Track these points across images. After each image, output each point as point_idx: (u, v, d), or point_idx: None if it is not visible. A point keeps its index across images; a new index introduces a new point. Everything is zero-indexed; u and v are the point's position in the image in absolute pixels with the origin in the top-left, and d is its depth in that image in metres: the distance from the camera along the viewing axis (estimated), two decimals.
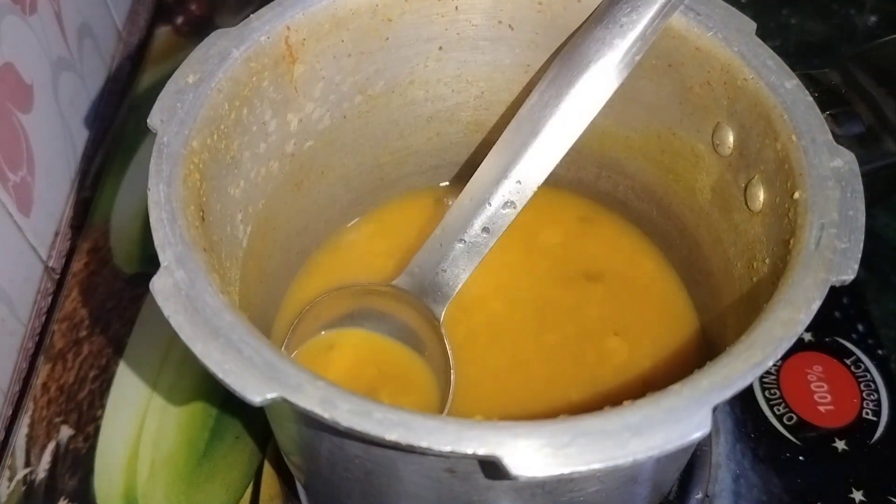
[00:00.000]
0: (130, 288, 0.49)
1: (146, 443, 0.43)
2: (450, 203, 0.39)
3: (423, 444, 0.23)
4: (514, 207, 0.37)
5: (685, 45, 0.35)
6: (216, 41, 0.34)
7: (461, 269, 0.38)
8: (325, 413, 0.24)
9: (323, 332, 0.39)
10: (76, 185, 0.55)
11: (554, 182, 0.37)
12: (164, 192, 0.29)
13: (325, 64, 0.37)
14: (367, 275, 0.41)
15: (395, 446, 0.24)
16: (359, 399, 0.24)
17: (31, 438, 0.44)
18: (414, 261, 0.39)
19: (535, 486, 0.28)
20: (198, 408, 0.44)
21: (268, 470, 0.42)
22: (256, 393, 0.25)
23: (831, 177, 0.30)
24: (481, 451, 0.23)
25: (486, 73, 0.41)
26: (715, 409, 0.25)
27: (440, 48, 0.40)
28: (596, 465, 0.23)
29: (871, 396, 0.44)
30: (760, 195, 0.33)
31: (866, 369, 0.45)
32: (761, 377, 0.45)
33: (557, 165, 0.37)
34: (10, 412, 0.46)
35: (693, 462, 0.42)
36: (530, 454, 0.23)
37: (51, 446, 0.43)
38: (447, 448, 0.23)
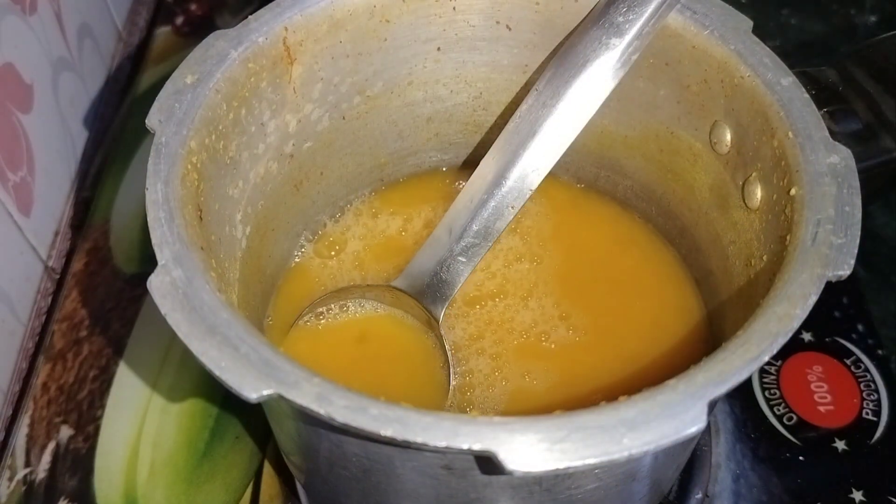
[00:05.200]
0: (130, 288, 0.49)
1: (146, 443, 0.43)
2: (448, 204, 0.39)
3: (419, 439, 0.23)
4: (513, 208, 0.37)
5: (682, 44, 0.35)
6: (214, 42, 0.34)
7: (460, 270, 0.38)
8: (320, 409, 0.24)
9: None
10: (76, 185, 0.55)
11: (552, 176, 0.37)
12: (162, 191, 0.29)
13: (324, 65, 0.37)
14: (366, 276, 0.41)
15: (391, 442, 0.24)
16: (354, 395, 0.24)
17: (31, 438, 0.44)
18: (412, 262, 0.39)
19: (531, 483, 0.28)
20: (198, 408, 0.44)
21: (268, 470, 0.42)
22: (252, 389, 0.25)
23: (828, 173, 0.30)
24: (477, 447, 0.23)
25: (485, 73, 0.41)
26: (713, 405, 0.25)
27: (438, 49, 0.40)
28: (591, 460, 0.23)
29: (871, 396, 0.44)
30: (758, 192, 0.33)
31: (866, 369, 0.45)
32: (761, 377, 0.45)
33: (556, 166, 0.37)
34: (10, 412, 0.46)
35: (693, 462, 0.42)
36: (526, 449, 0.23)
37: (51, 446, 0.43)
38: (442, 443, 0.23)
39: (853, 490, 0.41)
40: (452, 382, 0.37)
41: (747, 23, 0.34)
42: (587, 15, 0.37)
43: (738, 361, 0.25)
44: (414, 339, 0.39)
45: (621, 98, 0.38)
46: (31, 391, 0.45)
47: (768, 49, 0.34)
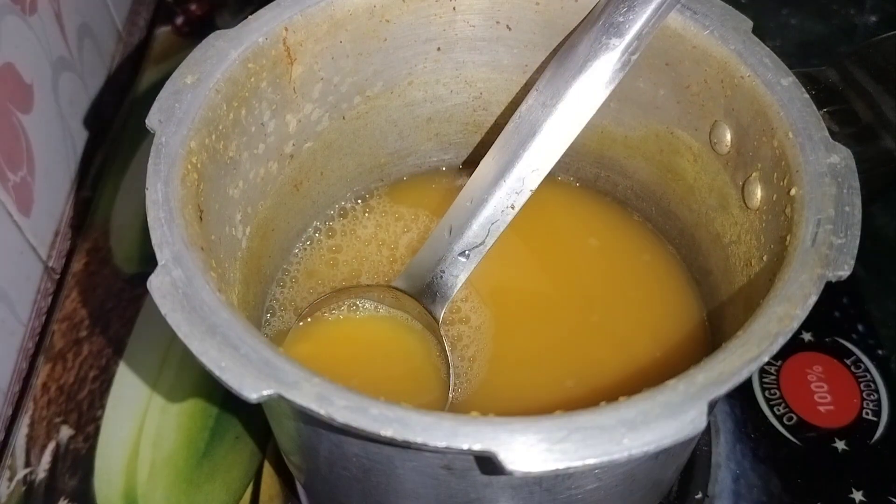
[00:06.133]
0: (130, 288, 0.49)
1: (146, 443, 0.43)
2: (448, 204, 0.39)
3: (419, 439, 0.23)
4: (513, 208, 0.37)
5: (682, 44, 0.35)
6: (214, 42, 0.34)
7: (460, 271, 0.38)
8: (320, 409, 0.24)
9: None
10: (76, 185, 0.55)
11: (552, 176, 0.37)
12: (162, 191, 0.29)
13: (324, 65, 0.37)
14: (366, 276, 0.41)
15: (391, 442, 0.24)
16: (354, 395, 0.24)
17: (31, 438, 0.44)
18: (412, 262, 0.39)
19: (532, 483, 0.28)
20: (198, 408, 0.44)
21: (268, 470, 0.42)
22: (252, 390, 0.25)
23: (828, 173, 0.30)
24: (476, 447, 0.23)
25: (485, 73, 0.41)
26: (713, 406, 0.25)
27: (438, 49, 0.40)
28: (591, 461, 0.23)
29: (871, 396, 0.44)
30: (758, 192, 0.33)
31: (866, 369, 0.45)
32: (761, 377, 0.45)
33: (556, 166, 0.37)
34: (10, 412, 0.46)
35: (693, 462, 0.42)
36: (526, 449, 0.23)
37: (51, 446, 0.43)
38: (442, 444, 0.23)
39: (853, 490, 0.41)
40: (452, 381, 0.37)
41: (747, 23, 0.34)
42: (587, 15, 0.37)
43: (738, 361, 0.25)
44: (414, 339, 0.39)
45: (621, 98, 0.38)
46: (31, 391, 0.45)
47: (768, 49, 0.34)
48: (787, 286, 0.27)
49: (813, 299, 0.27)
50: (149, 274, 0.27)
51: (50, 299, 0.50)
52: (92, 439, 0.43)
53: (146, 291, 0.27)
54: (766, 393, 0.44)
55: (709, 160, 0.37)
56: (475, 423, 0.24)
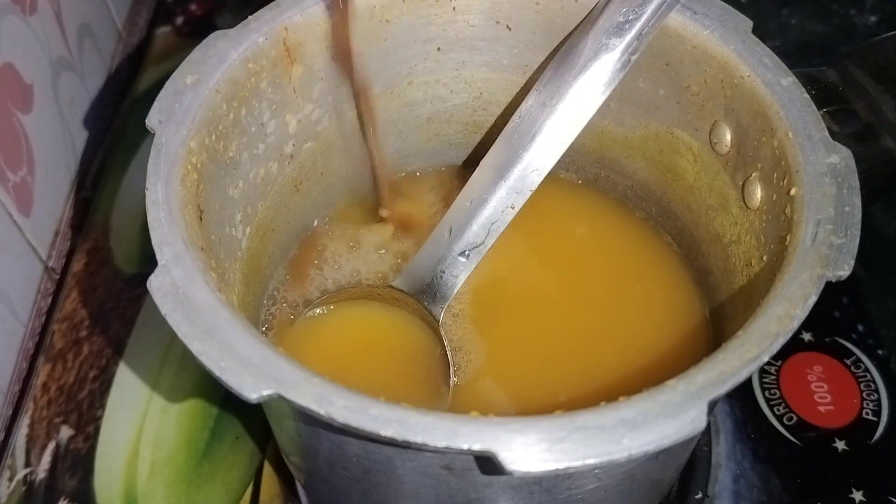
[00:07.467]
0: (130, 288, 0.49)
1: (146, 443, 0.43)
2: (448, 204, 0.39)
3: (419, 439, 0.23)
4: (513, 208, 0.37)
5: (682, 44, 0.35)
6: (214, 42, 0.34)
7: (460, 270, 0.38)
8: (320, 409, 0.24)
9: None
10: (76, 185, 0.55)
11: (552, 175, 0.37)
12: (162, 191, 0.29)
13: (324, 65, 0.37)
14: (366, 276, 0.41)
15: (391, 442, 0.24)
16: (354, 395, 0.24)
17: (31, 438, 0.44)
18: (412, 262, 0.39)
19: (532, 483, 0.28)
20: (198, 408, 0.44)
21: (268, 470, 0.42)
22: (252, 390, 0.25)
23: (828, 173, 0.30)
24: (477, 447, 0.23)
25: (485, 73, 0.41)
26: (713, 406, 0.25)
27: (438, 49, 0.40)
28: (591, 461, 0.23)
29: (871, 396, 0.44)
30: (758, 192, 0.33)
31: (866, 369, 0.45)
32: (761, 377, 0.45)
33: (556, 166, 0.37)
34: (10, 412, 0.46)
35: (693, 462, 0.42)
36: (526, 449, 0.23)
37: (51, 446, 0.43)
38: (442, 444, 0.23)
39: (853, 490, 0.41)
40: (453, 381, 0.37)
41: (747, 23, 0.34)
42: (587, 15, 0.37)
43: (738, 361, 0.25)
44: (414, 339, 0.39)
45: (621, 98, 0.38)
46: (31, 391, 0.45)
47: (768, 49, 0.34)
48: (787, 286, 0.27)
49: (813, 299, 0.27)
50: (149, 274, 0.27)
51: (50, 299, 0.50)
52: (92, 439, 0.43)
53: (146, 291, 0.27)
54: (766, 393, 0.44)
55: (709, 160, 0.37)
56: (475, 423, 0.24)
